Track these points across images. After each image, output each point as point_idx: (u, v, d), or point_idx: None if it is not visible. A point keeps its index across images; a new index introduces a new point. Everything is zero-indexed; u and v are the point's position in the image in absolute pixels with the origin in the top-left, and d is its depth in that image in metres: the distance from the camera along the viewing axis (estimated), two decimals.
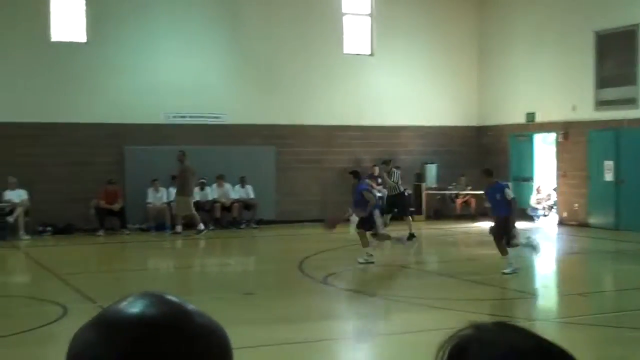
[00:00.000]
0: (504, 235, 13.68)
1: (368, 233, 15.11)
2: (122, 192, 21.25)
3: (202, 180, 21.73)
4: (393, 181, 18.91)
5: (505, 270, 13.45)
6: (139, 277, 14.42)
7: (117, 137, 21.46)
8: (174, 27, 22.18)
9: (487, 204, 14.61)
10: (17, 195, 20.15)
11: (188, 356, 1.05)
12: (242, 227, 21.92)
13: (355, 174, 15.81)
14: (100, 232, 20.53)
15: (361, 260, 14.91)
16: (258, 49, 22.88)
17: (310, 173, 23.32)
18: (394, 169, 19.27)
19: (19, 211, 19.96)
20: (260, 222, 22.12)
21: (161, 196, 21.46)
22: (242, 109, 22.57)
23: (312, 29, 23.47)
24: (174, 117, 22.12)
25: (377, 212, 15.23)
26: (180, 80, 22.03)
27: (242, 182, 22.23)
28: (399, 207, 18.95)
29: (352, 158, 23.76)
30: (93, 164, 21.28)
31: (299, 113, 23.34)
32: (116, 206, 20.97)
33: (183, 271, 16.10)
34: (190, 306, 1.11)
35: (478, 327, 1.13)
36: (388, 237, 15.60)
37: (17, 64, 20.82)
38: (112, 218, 21.02)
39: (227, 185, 22.18)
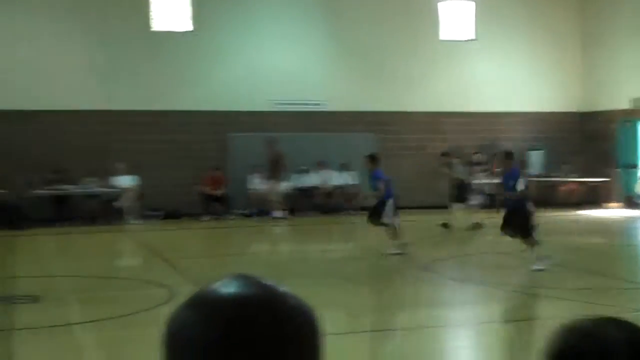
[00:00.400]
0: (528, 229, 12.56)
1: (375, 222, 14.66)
2: (226, 178, 21.66)
3: (303, 167, 21.95)
4: (456, 173, 18.63)
5: (536, 267, 12.37)
6: (242, 261, 14.66)
7: (221, 124, 21.86)
8: (277, 15, 22.41)
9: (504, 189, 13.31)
10: (126, 181, 20.77)
11: (280, 337, 1.09)
12: (343, 213, 22.02)
13: (372, 158, 15.00)
14: (206, 217, 20.99)
15: (391, 251, 14.31)
16: (358, 36, 22.90)
17: (413, 160, 23.21)
18: (453, 160, 19.02)
19: (128, 196, 20.59)
20: (362, 209, 22.14)
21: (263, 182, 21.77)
22: (343, 96, 22.64)
23: (412, 15, 23.33)
24: (277, 104, 22.36)
25: (390, 202, 14.60)
26: (283, 67, 22.25)
27: (344, 168, 22.32)
28: (456, 195, 18.51)
29: (456, 145, 23.55)
30: (198, 150, 21.75)
31: (401, 100, 23.26)
32: (220, 192, 21.40)
33: (283, 256, 16.32)
34: (282, 288, 1.14)
35: (587, 321, 1.20)
36: (395, 234, 14.66)
37: (122, 54, 21.41)
38: (217, 204, 21.47)
39: (329, 172, 22.31)
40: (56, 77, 20.93)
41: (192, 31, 22.02)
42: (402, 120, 23.31)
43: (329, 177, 22.31)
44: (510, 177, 12.84)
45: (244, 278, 1.15)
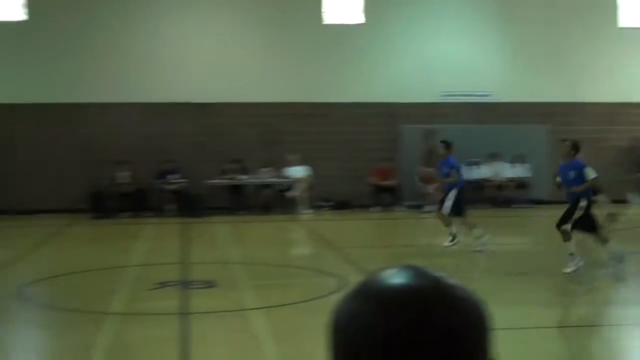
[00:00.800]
0: (569, 221, 11.50)
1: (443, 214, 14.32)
2: (397, 169, 21.69)
3: (474, 160, 21.65)
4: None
5: (567, 270, 11.46)
6: (412, 252, 14.63)
7: (392, 116, 21.92)
8: (446, 5, 22.22)
9: (558, 180, 12.09)
10: (299, 172, 21.23)
11: (450, 327, 1.08)
12: (515, 206, 21.58)
13: (446, 145, 14.49)
14: (375, 208, 21.12)
15: (478, 249, 14.07)
16: (530, 24, 22.35)
17: (589, 152, 22.32)
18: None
19: (300, 187, 21.03)
20: (537, 202, 21.61)
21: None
22: (514, 87, 22.18)
23: (585, 2, 22.52)
24: (447, 95, 22.18)
25: (453, 193, 14.16)
26: (454, 59, 22.05)
27: (518, 160, 21.89)
28: None
29: (637, 136, 22.59)
30: (369, 141, 21.92)
31: (576, 90, 22.51)
32: (390, 183, 21.47)
33: (454, 249, 16.15)
34: (451, 280, 1.13)
35: None
36: (449, 224, 14.47)
37: (295, 46, 21.87)
38: (387, 195, 21.55)
39: (501, 164, 21.94)
40: (234, 70, 21.65)
41: (363, 24, 22.27)
42: (576, 111, 22.55)
43: (501, 170, 21.92)
44: (570, 168, 11.87)
45: (412, 268, 1.14)
